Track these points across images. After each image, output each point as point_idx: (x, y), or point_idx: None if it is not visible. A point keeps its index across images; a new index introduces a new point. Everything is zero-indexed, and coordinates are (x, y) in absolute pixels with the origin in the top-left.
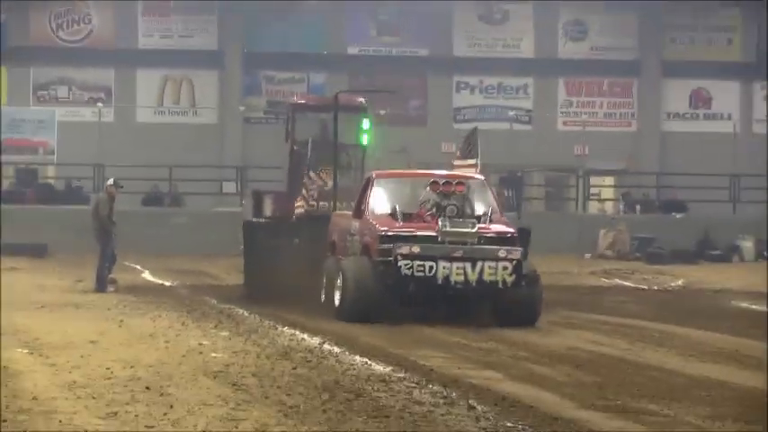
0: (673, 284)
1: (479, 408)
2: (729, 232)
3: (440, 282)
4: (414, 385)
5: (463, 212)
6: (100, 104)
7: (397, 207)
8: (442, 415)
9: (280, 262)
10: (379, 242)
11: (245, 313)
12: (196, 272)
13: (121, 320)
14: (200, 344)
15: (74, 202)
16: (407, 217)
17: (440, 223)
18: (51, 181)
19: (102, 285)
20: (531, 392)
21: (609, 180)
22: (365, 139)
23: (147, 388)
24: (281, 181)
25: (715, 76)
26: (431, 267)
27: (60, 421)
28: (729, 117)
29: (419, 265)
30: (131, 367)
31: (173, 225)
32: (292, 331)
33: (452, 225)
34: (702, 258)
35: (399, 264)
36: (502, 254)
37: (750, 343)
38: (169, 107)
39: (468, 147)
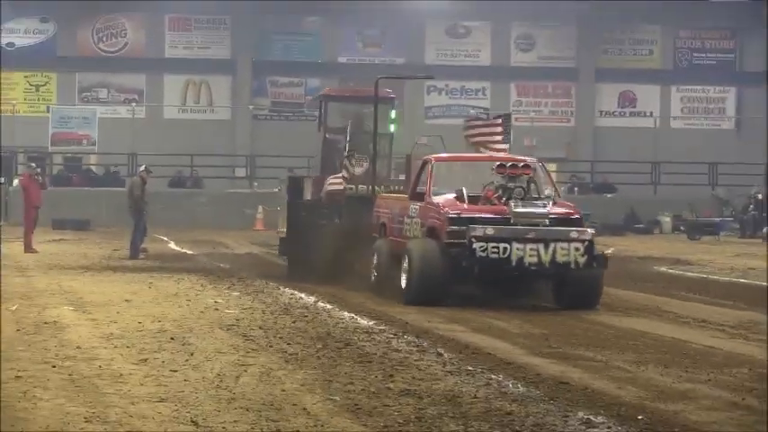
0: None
1: (446, 355)
2: (651, 209)
3: (514, 263)
4: (392, 336)
5: (530, 195)
6: (134, 104)
7: (464, 190)
8: (416, 360)
9: (322, 240)
10: (449, 224)
11: (251, 276)
12: (213, 242)
13: (151, 282)
14: (216, 302)
15: (112, 185)
16: (473, 200)
17: (511, 205)
18: (93, 167)
19: (135, 253)
20: (489, 342)
21: (552, 167)
22: (393, 128)
23: (172, 339)
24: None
25: (639, 81)
26: (505, 249)
27: (100, 366)
28: (651, 114)
29: (493, 247)
30: (159, 321)
31: (194, 203)
32: (292, 291)
33: (524, 206)
34: (629, 231)
35: (474, 246)
36: (574, 235)
37: (668, 300)
38: (190, 106)
39: (505, 133)
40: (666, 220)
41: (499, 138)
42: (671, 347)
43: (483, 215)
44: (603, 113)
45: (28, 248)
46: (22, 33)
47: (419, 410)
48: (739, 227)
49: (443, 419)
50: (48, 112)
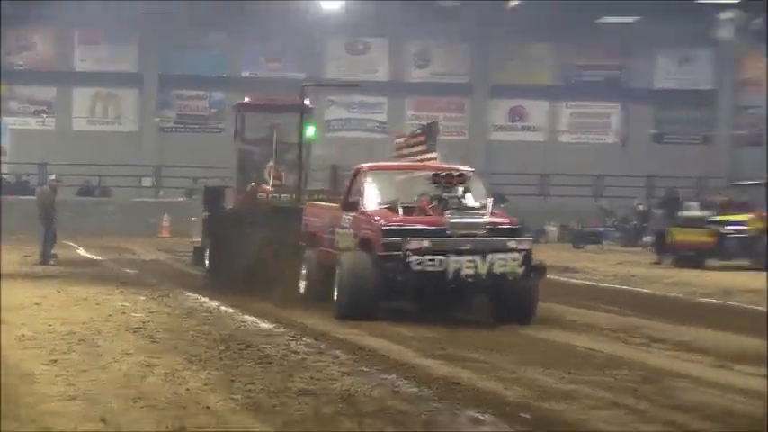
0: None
1: (342, 356)
2: (539, 219)
3: (451, 276)
4: (291, 338)
5: (465, 205)
6: (44, 115)
7: (398, 200)
8: (314, 362)
9: (244, 252)
10: (382, 236)
11: (158, 282)
12: (120, 249)
13: (60, 288)
14: (123, 305)
15: (22, 194)
16: (408, 210)
17: (447, 215)
18: (5, 176)
19: (45, 259)
20: (384, 344)
21: None
22: (313, 137)
23: (82, 340)
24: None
25: (530, 97)
26: (441, 261)
27: (11, 366)
28: (540, 129)
29: (429, 260)
30: (68, 324)
31: (102, 212)
32: (195, 296)
33: (461, 216)
34: None
35: (409, 259)
36: (512, 244)
37: (554, 306)
38: (99, 118)
39: (431, 141)
40: (552, 229)
41: (423, 148)
42: (555, 350)
43: (418, 226)
44: (495, 127)
45: None
46: None
47: (316, 409)
48: (621, 236)
49: (339, 418)
50: None
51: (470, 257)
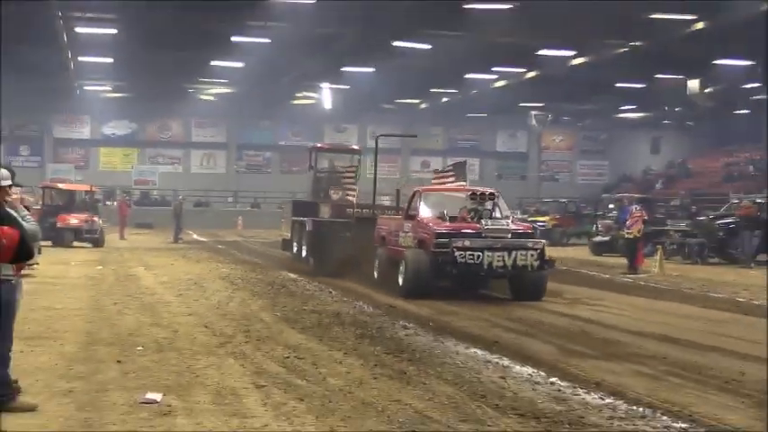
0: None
1: (333, 292)
2: None
3: (486, 267)
4: (306, 282)
5: (495, 215)
6: (176, 164)
7: (446, 212)
8: (318, 294)
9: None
10: (435, 238)
11: (236, 251)
12: (216, 235)
13: (184, 255)
14: (217, 264)
15: (165, 206)
16: (453, 219)
17: (483, 223)
18: (155, 196)
19: (176, 240)
20: (359, 287)
21: None
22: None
23: (195, 283)
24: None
25: (431, 155)
26: (478, 256)
27: (154, 296)
28: None
29: (470, 255)
30: (188, 275)
31: (206, 216)
32: (254, 259)
33: (493, 224)
34: None
35: (456, 254)
36: (530, 244)
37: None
38: (205, 166)
39: (460, 174)
40: None
41: (453, 178)
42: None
43: (462, 230)
44: (413, 172)
45: None
46: None
47: (320, 320)
48: None
49: (332, 325)
50: None
51: (500, 253)
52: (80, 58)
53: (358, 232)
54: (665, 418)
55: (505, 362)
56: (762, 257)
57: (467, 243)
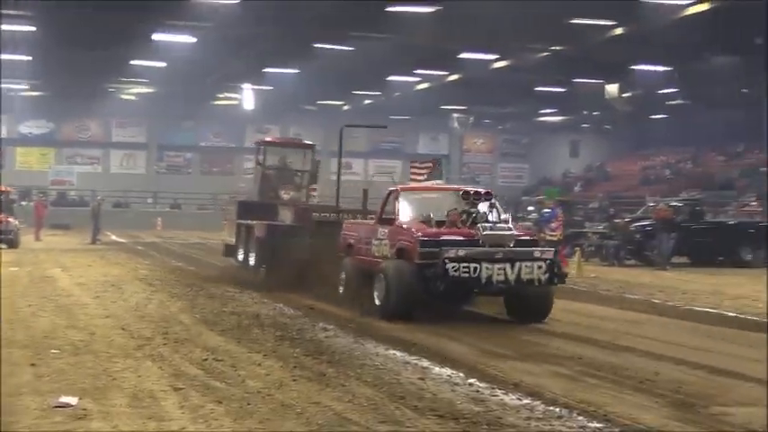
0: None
1: (254, 294)
2: None
3: (483, 282)
4: (228, 285)
5: (492, 219)
6: (96, 164)
7: (431, 215)
8: (238, 296)
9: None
10: (420, 246)
11: (155, 252)
12: (134, 236)
13: (101, 256)
14: (136, 266)
15: (83, 206)
16: (440, 224)
17: (480, 228)
18: (73, 197)
19: (94, 241)
20: (282, 291)
21: None
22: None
23: (113, 285)
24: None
25: (354, 157)
26: (475, 269)
27: (70, 298)
28: (359, 174)
29: (464, 267)
30: (106, 276)
31: (125, 216)
32: (175, 262)
33: (493, 229)
34: None
35: (447, 266)
36: (537, 254)
37: None
38: (124, 166)
39: (437, 171)
40: None
41: (425, 175)
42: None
43: (453, 237)
44: (344, 172)
45: None
46: None
47: (240, 322)
48: None
49: (252, 327)
50: None
51: (501, 265)
52: None
53: (318, 239)
54: (580, 418)
55: (425, 363)
56: (676, 260)
57: (461, 253)
